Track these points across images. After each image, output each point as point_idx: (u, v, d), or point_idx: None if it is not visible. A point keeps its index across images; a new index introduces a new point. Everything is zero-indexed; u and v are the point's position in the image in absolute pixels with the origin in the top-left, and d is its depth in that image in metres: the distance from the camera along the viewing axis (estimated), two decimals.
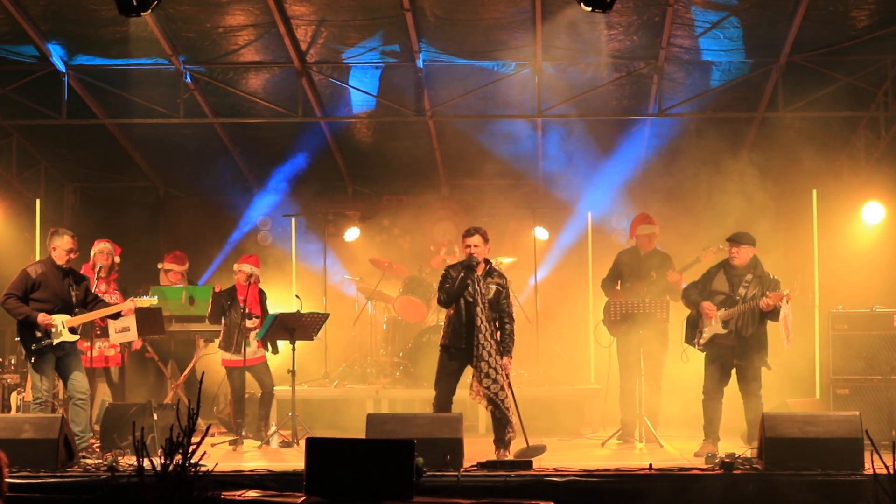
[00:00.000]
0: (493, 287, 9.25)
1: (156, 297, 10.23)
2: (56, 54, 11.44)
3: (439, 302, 9.47)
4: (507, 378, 9.14)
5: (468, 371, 12.44)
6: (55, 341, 9.29)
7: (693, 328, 9.57)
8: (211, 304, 10.78)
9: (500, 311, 9.29)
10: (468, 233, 9.35)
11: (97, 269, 10.56)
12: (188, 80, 11.73)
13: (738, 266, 9.46)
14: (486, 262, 9.36)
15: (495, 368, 9.03)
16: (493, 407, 9.07)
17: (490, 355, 9.03)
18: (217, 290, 10.81)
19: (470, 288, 9.15)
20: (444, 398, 9.26)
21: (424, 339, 12.22)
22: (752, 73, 11.61)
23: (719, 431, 9.52)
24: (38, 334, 9.27)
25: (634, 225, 11.13)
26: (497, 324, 9.26)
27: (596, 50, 11.27)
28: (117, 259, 10.95)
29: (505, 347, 9.21)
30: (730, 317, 9.31)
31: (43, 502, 7.67)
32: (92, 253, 10.79)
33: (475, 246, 9.25)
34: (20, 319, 9.33)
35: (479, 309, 9.08)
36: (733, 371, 9.49)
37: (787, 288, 9.37)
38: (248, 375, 10.70)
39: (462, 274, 9.17)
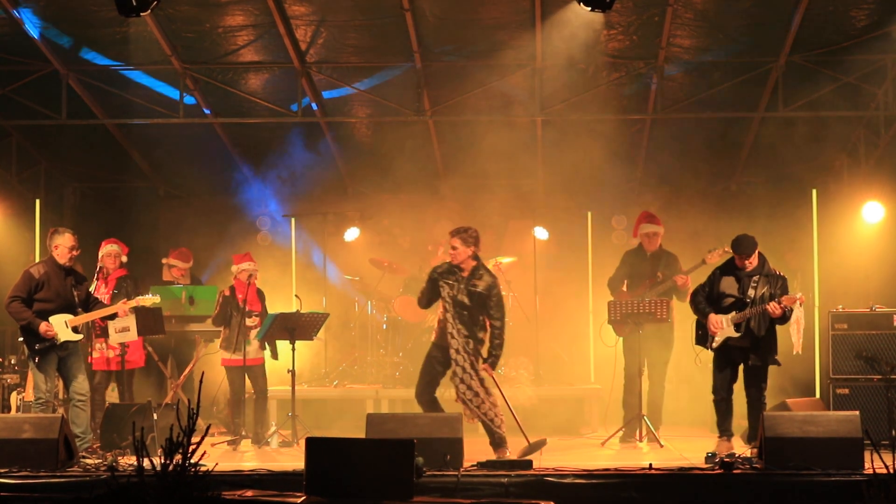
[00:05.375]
0: (476, 289, 9.10)
1: (157, 295, 10.22)
2: (56, 54, 11.44)
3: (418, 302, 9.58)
4: (482, 384, 9.08)
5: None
6: (60, 340, 9.30)
7: (706, 331, 9.47)
8: (219, 307, 10.75)
9: (487, 312, 9.15)
10: (450, 233, 9.24)
11: (98, 270, 10.57)
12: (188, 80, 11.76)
13: (747, 268, 9.36)
14: (476, 259, 9.21)
15: (469, 374, 9.05)
16: (469, 413, 9.06)
17: (465, 361, 9.03)
18: (227, 293, 10.79)
19: (447, 291, 9.12)
20: (420, 389, 9.29)
21: (424, 339, 12.20)
22: (752, 73, 11.60)
23: (733, 428, 9.46)
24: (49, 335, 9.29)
25: (637, 224, 11.08)
26: (487, 323, 9.19)
27: (595, 50, 11.27)
28: (124, 258, 10.95)
29: (490, 350, 9.14)
30: (742, 319, 9.22)
31: (43, 502, 7.66)
32: (100, 255, 10.78)
33: (453, 248, 9.15)
34: (22, 325, 9.34)
35: (450, 315, 9.07)
36: (740, 368, 9.45)
37: (798, 289, 9.34)
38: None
39: (429, 284, 9.22)
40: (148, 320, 10.61)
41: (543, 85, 11.74)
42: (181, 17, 10.87)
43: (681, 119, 12.44)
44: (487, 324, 9.21)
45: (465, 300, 9.07)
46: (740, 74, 11.63)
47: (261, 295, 10.93)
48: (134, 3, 9.06)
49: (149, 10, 9.22)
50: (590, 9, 9.27)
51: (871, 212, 12.32)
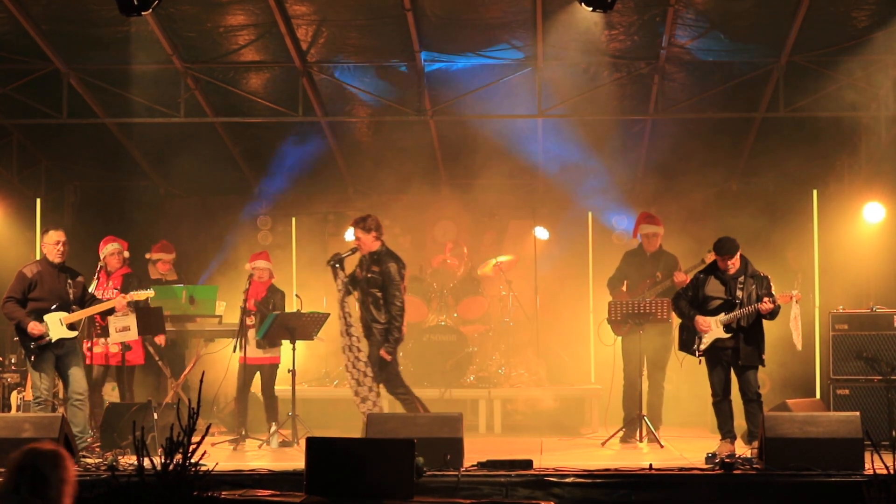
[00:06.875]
0: (375, 273, 9.55)
1: (151, 289, 10.22)
2: (56, 54, 11.43)
3: None
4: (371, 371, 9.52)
5: (472, 371, 12.48)
6: (53, 339, 9.30)
7: (691, 334, 9.45)
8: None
9: (387, 293, 9.51)
10: (351, 225, 9.80)
11: (100, 269, 10.56)
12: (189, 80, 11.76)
13: (729, 270, 9.36)
14: (380, 242, 9.64)
15: (359, 370, 9.54)
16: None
17: (353, 349, 9.55)
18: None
19: (354, 277, 9.68)
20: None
21: (424, 338, 12.23)
22: (752, 73, 11.60)
23: (734, 430, 9.46)
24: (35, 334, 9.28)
25: (637, 224, 11.08)
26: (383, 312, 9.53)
27: (596, 50, 11.27)
28: (126, 254, 10.94)
29: (388, 334, 9.53)
30: (732, 320, 9.21)
31: None
32: (103, 254, 10.76)
33: (357, 239, 9.68)
34: (16, 325, 9.35)
35: (349, 309, 9.71)
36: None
37: (783, 287, 9.34)
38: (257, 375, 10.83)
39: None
40: (148, 320, 10.62)
41: (543, 85, 11.74)
42: (182, 17, 10.86)
43: (682, 119, 12.43)
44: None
45: (370, 283, 9.53)
46: (741, 75, 11.62)
47: (271, 293, 10.93)
48: (135, 3, 9.05)
49: (150, 10, 9.21)
50: (591, 9, 9.26)
51: (871, 212, 12.30)
